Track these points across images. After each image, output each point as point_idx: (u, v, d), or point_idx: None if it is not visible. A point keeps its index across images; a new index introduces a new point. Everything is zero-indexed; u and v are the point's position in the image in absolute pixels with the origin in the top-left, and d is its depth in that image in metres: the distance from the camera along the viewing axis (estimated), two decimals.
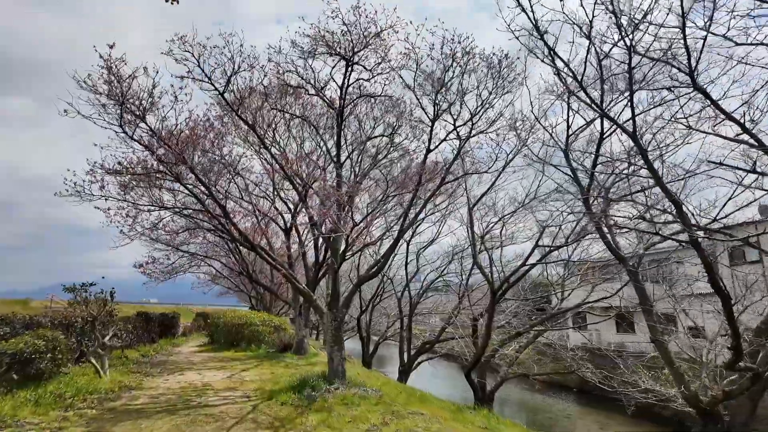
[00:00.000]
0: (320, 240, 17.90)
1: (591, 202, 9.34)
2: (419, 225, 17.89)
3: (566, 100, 9.38)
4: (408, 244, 22.61)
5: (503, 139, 11.17)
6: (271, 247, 16.58)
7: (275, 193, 17.80)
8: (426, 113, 9.19)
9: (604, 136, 8.83)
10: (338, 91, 10.49)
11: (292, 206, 18.60)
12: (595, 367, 16.09)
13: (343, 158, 11.29)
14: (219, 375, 12.53)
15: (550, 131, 9.93)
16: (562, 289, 16.08)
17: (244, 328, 19.71)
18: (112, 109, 8.82)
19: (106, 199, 10.24)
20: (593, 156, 9.23)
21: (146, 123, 9.33)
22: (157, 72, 8.93)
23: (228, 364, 15.22)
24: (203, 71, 9.08)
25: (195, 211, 11.76)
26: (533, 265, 12.89)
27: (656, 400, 12.82)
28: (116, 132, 9.10)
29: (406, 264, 23.09)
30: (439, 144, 9.81)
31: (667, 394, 13.10)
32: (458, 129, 10.16)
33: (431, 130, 9.16)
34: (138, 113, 8.95)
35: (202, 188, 10.38)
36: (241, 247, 19.70)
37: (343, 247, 10.35)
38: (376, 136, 10.89)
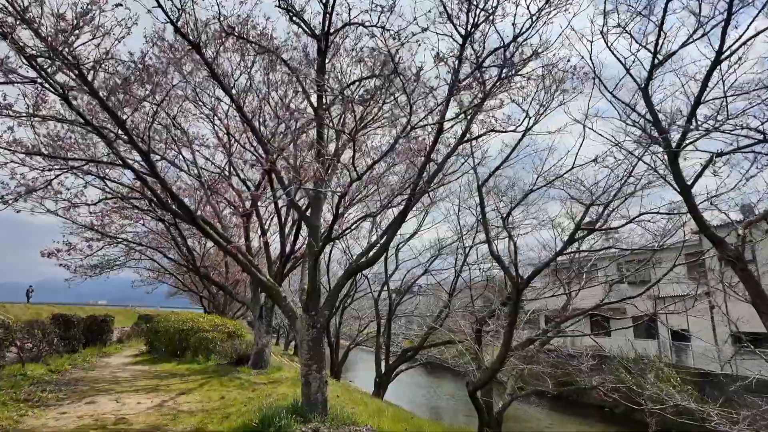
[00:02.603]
0: (288, 226, 14.62)
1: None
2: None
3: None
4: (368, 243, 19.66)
5: (541, 84, 8.40)
6: (225, 231, 13.10)
7: (230, 169, 14.37)
8: (455, 26, 6.24)
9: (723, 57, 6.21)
10: (320, 14, 7.46)
11: (252, 186, 15.23)
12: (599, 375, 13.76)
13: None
14: (145, 402, 9.07)
15: (623, 60, 7.21)
16: (580, 287, 13.57)
17: (189, 334, 16.08)
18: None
19: None
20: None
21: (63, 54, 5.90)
22: None
23: (164, 382, 11.68)
24: None
25: (107, 164, 8.25)
26: (573, 253, 10.27)
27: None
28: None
29: (386, 259, 20.09)
30: (466, 79, 6.85)
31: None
32: (483, 68, 7.26)
33: (462, 50, 6.22)
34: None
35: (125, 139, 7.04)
36: (187, 238, 16.12)
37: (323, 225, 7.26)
38: (368, 77, 7.75)
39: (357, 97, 6.03)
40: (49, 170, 7.52)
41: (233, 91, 8.17)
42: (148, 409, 8.47)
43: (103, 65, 5.90)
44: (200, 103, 11.73)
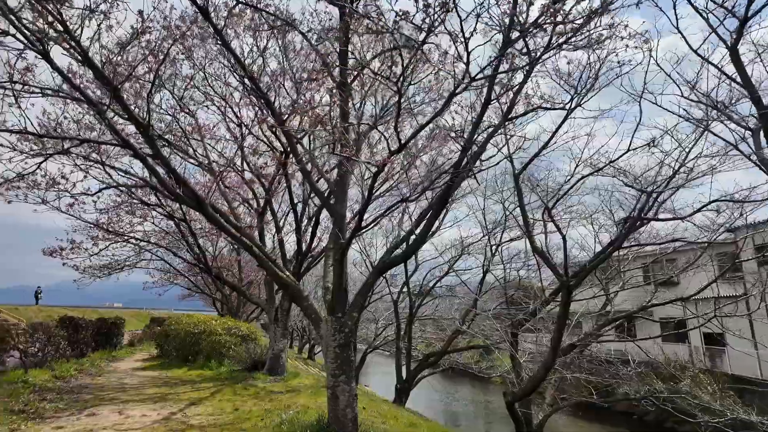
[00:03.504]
0: (304, 222, 13.68)
1: None
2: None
3: None
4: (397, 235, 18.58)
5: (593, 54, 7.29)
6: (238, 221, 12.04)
7: (242, 162, 13.41)
8: None
9: None
10: None
11: (266, 182, 14.32)
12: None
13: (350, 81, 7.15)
14: (151, 414, 8.16)
15: (705, 16, 6.10)
16: (622, 286, 12.43)
17: (201, 338, 15.22)
18: None
19: None
20: None
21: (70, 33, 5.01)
22: None
23: (173, 390, 10.79)
24: None
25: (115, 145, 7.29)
26: (633, 246, 9.13)
27: None
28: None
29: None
30: (529, 28, 5.75)
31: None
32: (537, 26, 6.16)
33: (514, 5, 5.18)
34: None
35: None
36: (199, 237, 15.28)
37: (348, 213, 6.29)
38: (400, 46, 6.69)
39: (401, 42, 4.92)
40: (40, 154, 6.64)
41: (244, 63, 7.18)
42: (154, 423, 7.55)
43: (92, 17, 5.00)
44: (209, 86, 10.82)
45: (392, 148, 4.93)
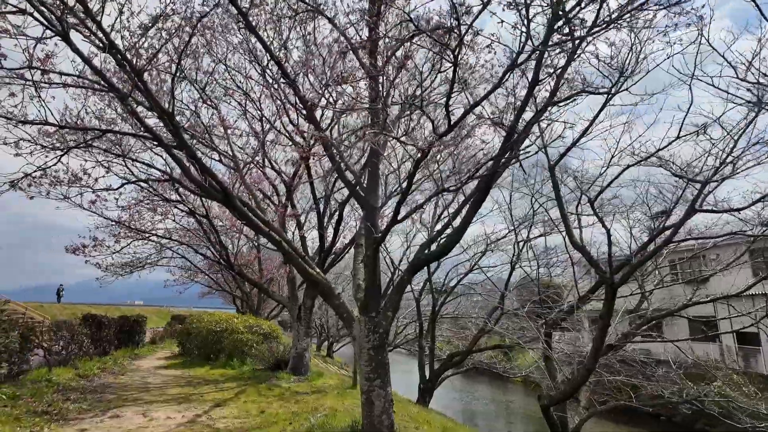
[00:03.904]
0: (326, 217, 13.32)
1: None
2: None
3: None
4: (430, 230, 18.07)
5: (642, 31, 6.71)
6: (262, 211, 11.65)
7: (263, 159, 13.04)
8: None
9: None
10: None
11: (287, 178, 13.98)
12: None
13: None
14: (175, 417, 7.88)
15: None
16: (659, 283, 11.78)
17: (223, 336, 15.00)
18: None
19: None
20: None
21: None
22: None
23: (197, 390, 10.55)
24: None
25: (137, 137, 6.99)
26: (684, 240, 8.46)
27: None
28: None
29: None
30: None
31: None
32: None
33: None
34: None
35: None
36: (220, 234, 15.02)
37: (384, 202, 5.85)
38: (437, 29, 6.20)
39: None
40: (60, 148, 6.37)
41: (269, 45, 6.78)
42: (179, 427, 7.27)
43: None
44: (230, 79, 10.51)
45: (427, 137, 4.50)
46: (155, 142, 6.26)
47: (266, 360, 13.79)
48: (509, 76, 5.10)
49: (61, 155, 6.40)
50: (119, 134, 7.15)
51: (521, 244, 15.76)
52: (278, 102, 11.32)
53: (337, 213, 12.96)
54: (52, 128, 6.37)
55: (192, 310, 36.48)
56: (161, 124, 6.13)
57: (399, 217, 5.27)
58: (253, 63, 10.20)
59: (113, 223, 12.17)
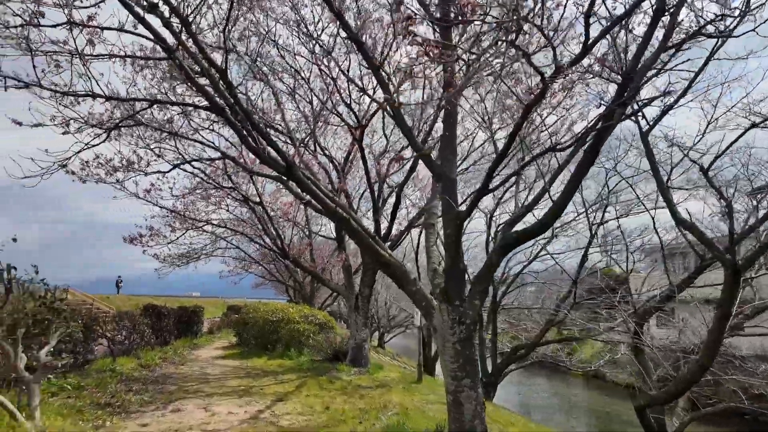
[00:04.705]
0: (381, 202, 12.52)
1: None
2: None
3: None
4: (490, 217, 16.94)
5: None
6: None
7: (315, 146, 12.28)
8: None
9: None
10: None
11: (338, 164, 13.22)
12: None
13: None
14: (237, 412, 7.41)
15: None
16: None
17: (280, 326, 14.68)
18: None
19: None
20: None
21: None
22: None
23: (256, 382, 10.16)
24: None
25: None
26: None
27: None
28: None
29: (487, 241, 17.42)
30: None
31: None
32: None
33: None
34: None
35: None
36: (273, 224, 14.59)
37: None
38: None
39: None
40: (109, 126, 5.93)
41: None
42: (242, 423, 6.78)
43: None
44: (280, 56, 9.89)
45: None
46: (207, 110, 5.67)
47: (324, 351, 13.31)
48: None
49: (111, 130, 5.97)
50: (169, 104, 6.66)
51: (594, 227, 14.34)
52: (329, 80, 10.66)
53: (396, 195, 12.16)
54: (100, 107, 5.95)
55: (246, 301, 37.13)
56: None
57: (491, 186, 4.36)
58: (302, 35, 9.53)
59: (168, 212, 12.01)
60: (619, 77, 4.46)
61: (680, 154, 8.90)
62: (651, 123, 8.44)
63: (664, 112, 8.21)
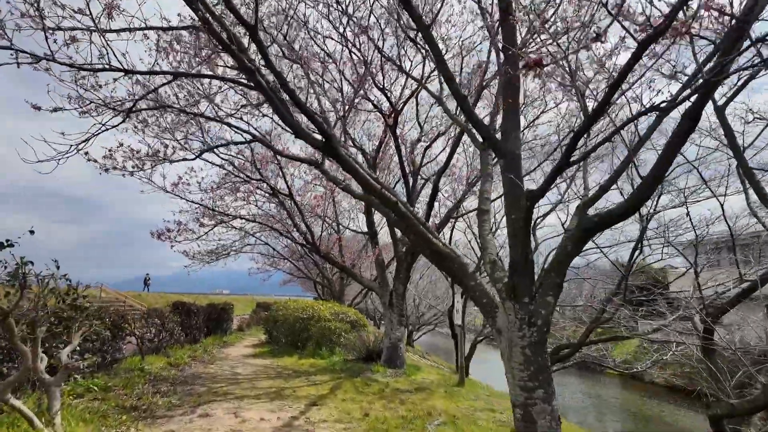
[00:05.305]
0: (416, 193, 11.78)
1: None
2: None
3: None
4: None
5: None
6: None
7: (344, 136, 11.64)
8: None
9: None
10: None
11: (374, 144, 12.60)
12: None
13: None
14: (269, 418, 6.82)
15: None
16: None
17: (310, 324, 14.14)
18: None
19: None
20: None
21: None
22: None
23: (288, 384, 9.60)
24: None
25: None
26: None
27: None
28: None
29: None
30: None
31: None
32: None
33: None
34: None
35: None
36: (304, 218, 14.04)
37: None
38: None
39: None
40: (125, 108, 5.41)
41: None
42: (275, 430, 6.18)
43: None
44: (312, 40, 9.25)
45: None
46: (236, 73, 5.06)
47: (357, 350, 12.69)
48: None
49: (130, 111, 5.44)
50: (191, 77, 6.11)
51: (646, 217, 13.17)
52: (361, 63, 9.98)
53: (431, 186, 11.40)
54: (122, 91, 5.42)
55: (275, 298, 37.02)
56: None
57: (572, 159, 3.58)
58: (335, 11, 8.86)
59: (197, 206, 11.60)
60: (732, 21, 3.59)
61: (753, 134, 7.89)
62: (729, 96, 7.43)
63: (744, 85, 7.19)
